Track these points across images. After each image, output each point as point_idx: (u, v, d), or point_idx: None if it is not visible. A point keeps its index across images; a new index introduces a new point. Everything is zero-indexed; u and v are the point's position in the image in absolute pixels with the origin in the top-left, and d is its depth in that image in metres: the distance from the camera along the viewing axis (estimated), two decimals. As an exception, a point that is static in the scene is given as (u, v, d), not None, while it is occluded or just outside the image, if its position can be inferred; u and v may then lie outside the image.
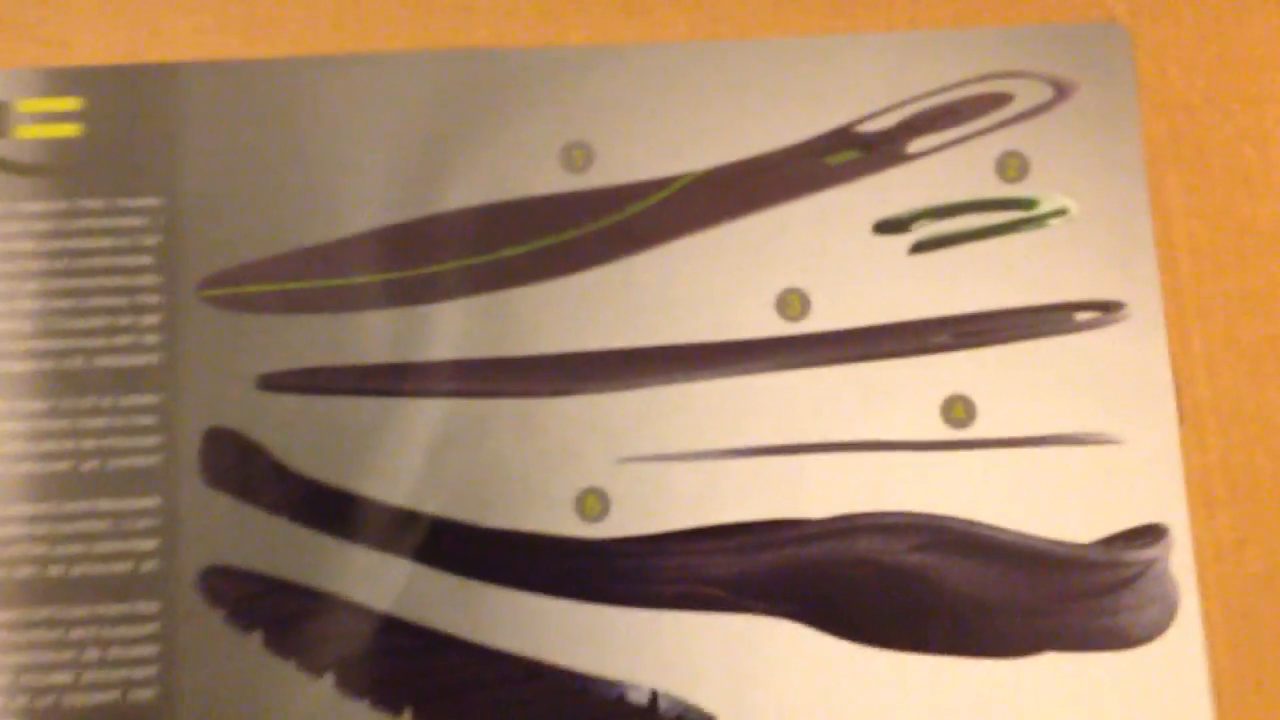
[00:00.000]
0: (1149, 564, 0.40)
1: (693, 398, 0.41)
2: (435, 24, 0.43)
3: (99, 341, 0.40)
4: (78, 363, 0.40)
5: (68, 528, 0.39)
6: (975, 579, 0.40)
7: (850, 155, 0.42)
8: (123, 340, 0.40)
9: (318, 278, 0.41)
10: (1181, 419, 0.41)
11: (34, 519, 0.39)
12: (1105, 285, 0.42)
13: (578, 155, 0.42)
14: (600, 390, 0.41)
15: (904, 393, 0.41)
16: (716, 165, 0.42)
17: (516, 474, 0.40)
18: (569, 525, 0.40)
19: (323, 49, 0.43)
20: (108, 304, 0.40)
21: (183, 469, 0.40)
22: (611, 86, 0.42)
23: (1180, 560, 0.40)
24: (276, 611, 0.39)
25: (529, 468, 0.40)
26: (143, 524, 0.39)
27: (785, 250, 0.42)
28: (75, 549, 0.39)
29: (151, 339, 0.40)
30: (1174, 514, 0.40)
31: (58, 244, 0.41)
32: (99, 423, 0.40)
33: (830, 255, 0.42)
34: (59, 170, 0.41)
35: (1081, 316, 0.42)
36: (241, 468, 0.40)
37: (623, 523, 0.40)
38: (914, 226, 0.42)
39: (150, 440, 0.40)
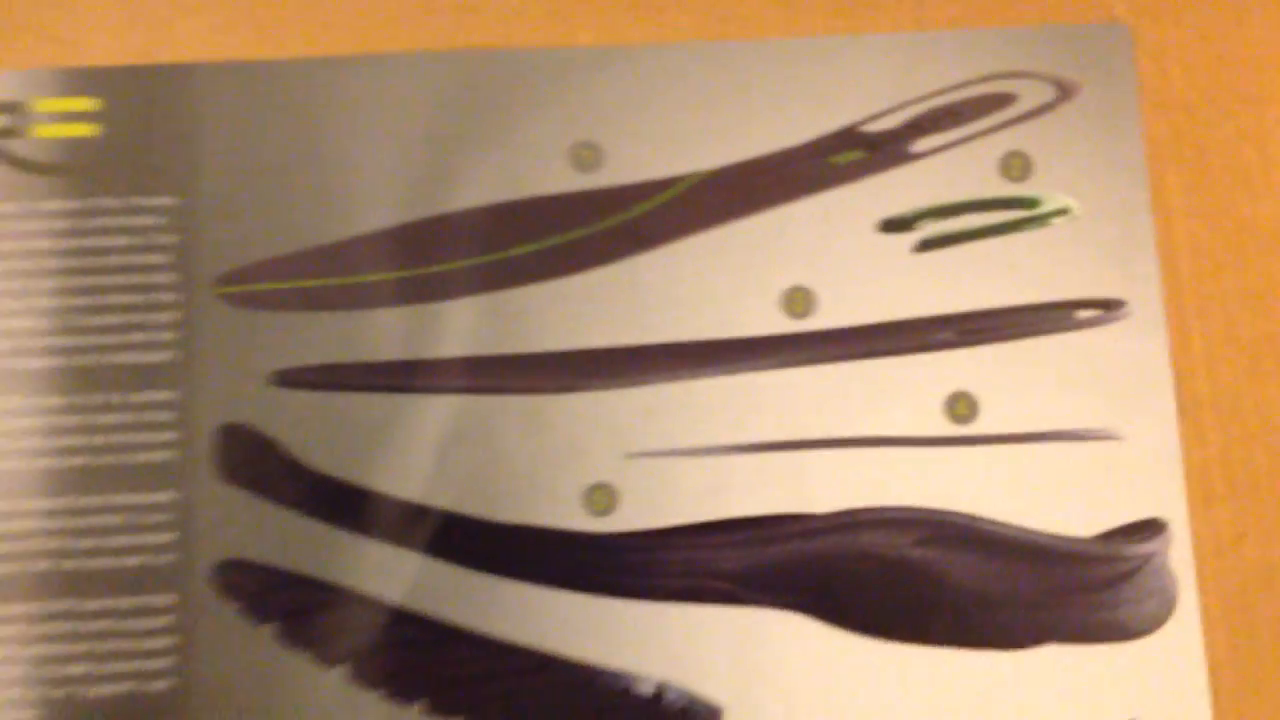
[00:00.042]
0: (1148, 558, 0.40)
1: (699, 394, 0.41)
2: (446, 26, 0.43)
3: (116, 339, 0.40)
4: (94, 359, 0.40)
5: (85, 522, 0.39)
6: (977, 573, 0.40)
7: (855, 155, 0.42)
8: (139, 337, 0.40)
9: (331, 276, 0.41)
10: (1181, 415, 0.41)
11: (52, 513, 0.39)
12: (1106, 283, 0.42)
13: (586, 155, 0.42)
14: (608, 387, 0.40)
15: (907, 389, 0.41)
16: (723, 165, 0.42)
17: (526, 469, 0.40)
18: (577, 520, 0.40)
19: (335, 50, 0.43)
20: (124, 301, 0.40)
21: (198, 464, 0.39)
22: (619, 87, 0.42)
23: (1179, 554, 0.40)
24: (290, 604, 0.39)
25: (538, 463, 0.40)
26: (159, 518, 0.39)
27: (790, 249, 0.41)
28: (92, 543, 0.39)
29: (167, 336, 0.40)
30: (1173, 509, 0.40)
31: (75, 242, 0.40)
32: (115, 419, 0.40)
33: (835, 254, 0.41)
34: (76, 169, 0.41)
35: (1083, 314, 0.41)
36: (256, 463, 0.40)
37: (630, 517, 0.40)
38: (918, 225, 0.42)
39: (166, 436, 0.40)
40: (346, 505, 0.39)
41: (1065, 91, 0.43)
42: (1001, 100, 0.42)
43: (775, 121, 0.42)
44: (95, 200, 0.41)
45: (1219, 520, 0.41)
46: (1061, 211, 0.42)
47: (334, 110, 0.42)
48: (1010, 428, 0.41)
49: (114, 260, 0.40)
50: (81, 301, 0.40)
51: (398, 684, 0.39)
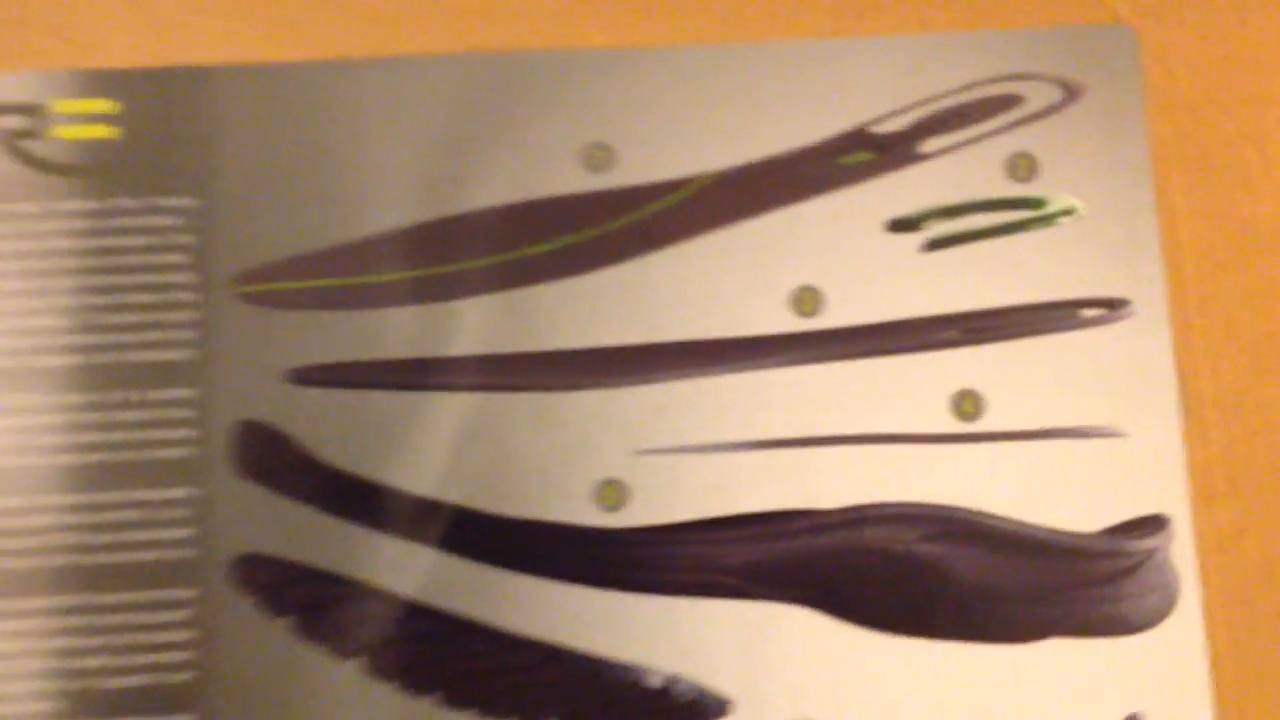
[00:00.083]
0: (1151, 553, 0.40)
1: (708, 392, 0.40)
2: (459, 28, 0.43)
3: (134, 337, 0.40)
4: (114, 357, 0.40)
5: (104, 517, 0.39)
6: (982, 568, 0.40)
7: (863, 156, 0.42)
8: (157, 336, 0.40)
9: (346, 275, 0.40)
10: (1184, 413, 0.41)
11: (72, 509, 0.39)
12: (1111, 283, 0.41)
13: (597, 156, 0.41)
14: (618, 385, 0.40)
15: (914, 387, 0.41)
16: (732, 165, 0.42)
17: (537, 465, 0.40)
18: (588, 515, 0.40)
19: (351, 52, 0.42)
20: (143, 300, 0.40)
21: (216, 460, 0.39)
22: (630, 89, 0.42)
23: (1181, 550, 0.40)
24: (307, 598, 0.39)
25: (550, 459, 0.40)
26: (177, 514, 0.39)
27: (799, 249, 0.41)
28: (111, 538, 0.39)
29: (185, 334, 0.40)
30: (1175, 505, 0.40)
31: (94, 242, 0.40)
32: (134, 416, 0.39)
33: (843, 253, 0.41)
34: (95, 170, 0.41)
35: (1087, 313, 0.41)
36: (272, 459, 0.39)
37: (640, 513, 0.40)
38: (925, 225, 0.41)
39: (184, 433, 0.39)
40: (361, 501, 0.39)
41: (1071, 93, 0.42)
42: (1008, 101, 0.42)
43: (784, 122, 0.42)
44: (114, 200, 0.41)
45: (1221, 516, 0.41)
46: (1067, 212, 0.42)
47: (350, 112, 0.41)
48: (1015, 425, 0.40)
49: (132, 260, 0.40)
50: (100, 300, 0.40)
51: (412, 676, 0.39)
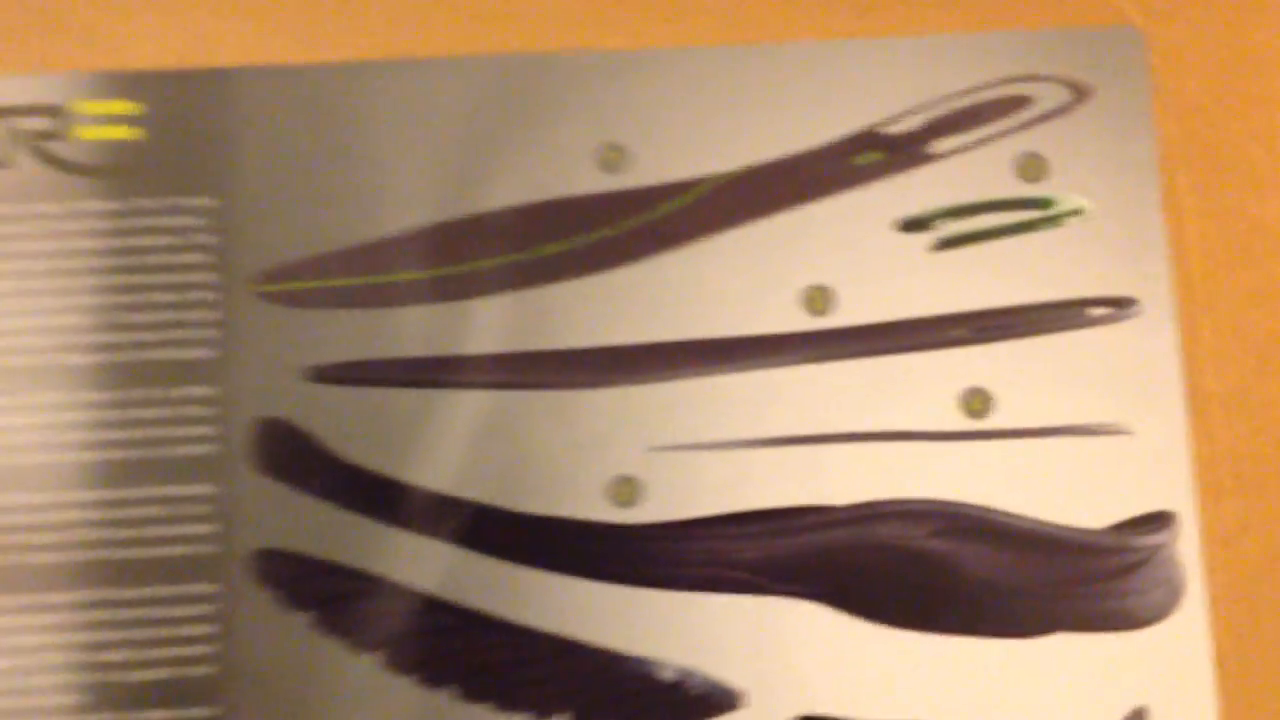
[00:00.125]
0: (1156, 549, 0.39)
1: (721, 390, 0.40)
2: (476, 31, 0.42)
3: (156, 335, 0.40)
4: (136, 356, 0.39)
5: (127, 513, 0.39)
6: (990, 563, 0.39)
7: (874, 156, 0.41)
8: (179, 334, 0.40)
9: (365, 274, 0.40)
10: (1190, 411, 0.40)
11: (95, 505, 0.39)
12: (1118, 282, 0.41)
13: (612, 157, 0.41)
14: (633, 382, 0.40)
15: (924, 385, 0.40)
16: (744, 166, 0.41)
17: (552, 462, 0.39)
18: (602, 511, 0.39)
19: (369, 54, 0.42)
20: (165, 300, 0.40)
21: (237, 457, 0.39)
22: (645, 90, 0.41)
23: (1186, 546, 0.40)
24: (326, 592, 0.38)
25: (564, 456, 0.39)
26: (198, 510, 0.39)
27: (810, 248, 0.41)
28: (134, 533, 0.39)
29: (207, 333, 0.40)
30: (1181, 501, 0.40)
31: (116, 242, 0.40)
32: (156, 413, 0.39)
33: (854, 253, 0.41)
34: (117, 171, 0.40)
35: (1095, 312, 0.41)
36: (292, 456, 0.39)
37: (653, 509, 0.39)
38: (935, 225, 0.41)
39: (205, 430, 0.39)
40: (379, 497, 0.39)
41: (1080, 94, 0.42)
42: (1017, 102, 0.42)
43: (796, 123, 0.41)
44: (136, 201, 0.40)
45: (1226, 513, 0.41)
46: (1075, 212, 0.41)
47: (368, 113, 0.41)
48: (1024, 422, 0.40)
49: (155, 259, 0.40)
50: (123, 299, 0.40)
51: (430, 669, 0.38)
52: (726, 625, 0.39)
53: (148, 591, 0.38)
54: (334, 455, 0.39)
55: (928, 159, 0.41)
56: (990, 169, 0.41)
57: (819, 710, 0.38)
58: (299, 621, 0.38)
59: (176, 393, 0.39)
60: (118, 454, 0.39)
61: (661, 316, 0.40)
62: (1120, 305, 0.41)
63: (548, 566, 0.39)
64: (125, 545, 0.39)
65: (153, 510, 0.39)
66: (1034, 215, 0.41)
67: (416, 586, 0.39)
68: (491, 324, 0.40)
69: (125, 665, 0.38)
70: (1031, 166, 0.41)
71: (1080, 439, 0.40)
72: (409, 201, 0.40)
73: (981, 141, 0.41)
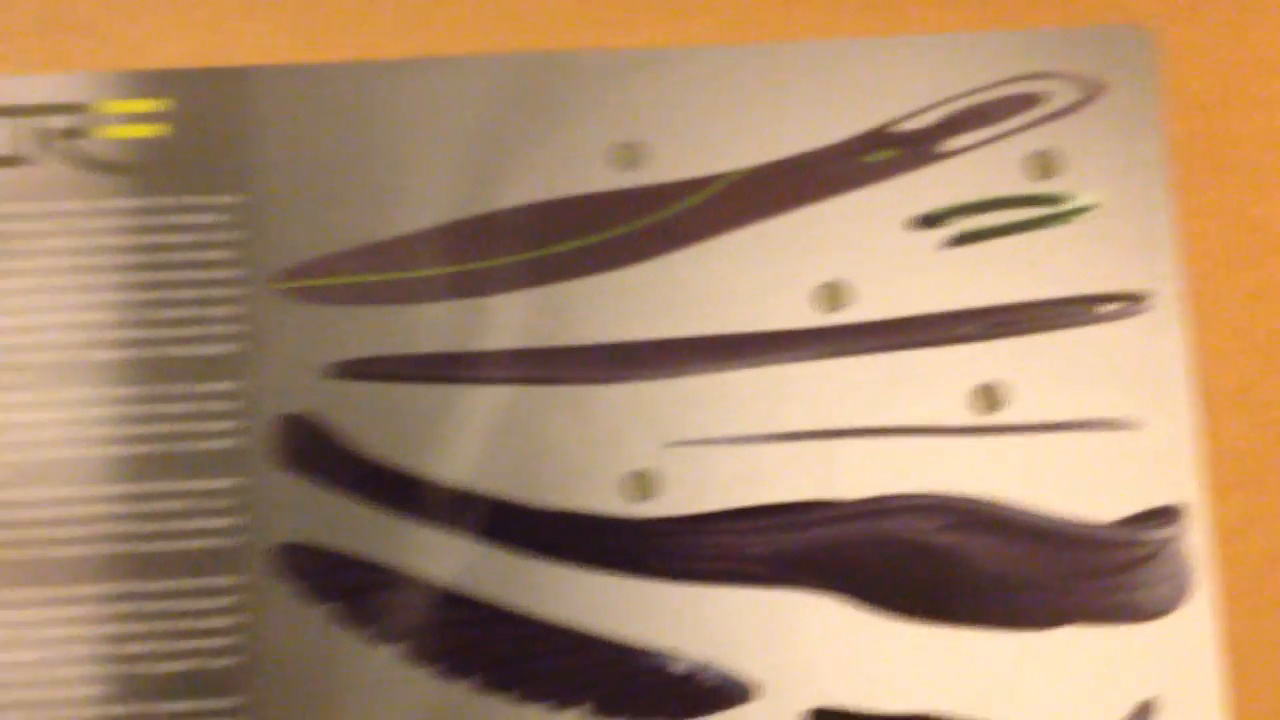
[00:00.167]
0: (1165, 543, 0.39)
1: (734, 385, 0.40)
2: (492, 30, 0.42)
3: (180, 332, 0.39)
4: (160, 352, 0.39)
5: (152, 507, 0.38)
6: (1000, 557, 0.39)
7: (887, 154, 0.41)
8: (203, 330, 0.39)
9: (384, 271, 0.40)
10: (1198, 406, 0.40)
11: (120, 498, 0.38)
12: (1128, 278, 0.40)
13: (627, 155, 0.41)
14: (648, 378, 0.39)
15: (935, 381, 0.40)
16: (758, 164, 0.41)
17: (568, 457, 0.39)
18: (618, 505, 0.39)
19: (388, 54, 0.42)
20: (189, 296, 0.39)
21: (259, 451, 0.39)
22: (659, 89, 0.41)
23: (1195, 540, 0.39)
24: (348, 585, 0.38)
25: (580, 451, 0.39)
26: (222, 503, 0.39)
27: (823, 245, 0.40)
28: (159, 527, 0.38)
29: (230, 329, 0.39)
30: (1190, 496, 0.39)
31: (141, 239, 0.40)
32: (181, 408, 0.39)
33: (866, 250, 0.40)
34: (142, 169, 0.40)
35: (1105, 308, 0.40)
36: (314, 451, 0.39)
37: (668, 503, 0.39)
38: (947, 222, 0.40)
39: (229, 425, 0.39)
40: (399, 491, 0.39)
41: (1091, 92, 0.41)
42: (1029, 100, 0.41)
43: (808, 121, 0.41)
44: (160, 198, 0.40)
45: (1233, 507, 0.40)
46: (1086, 208, 0.41)
47: (388, 112, 0.41)
48: (1034, 418, 0.40)
49: (178, 257, 0.40)
50: (147, 296, 0.39)
51: (449, 661, 0.38)
52: (740, 618, 0.38)
53: (172, 584, 0.38)
54: (354, 450, 0.39)
55: (939, 157, 0.41)
56: (1001, 167, 0.41)
57: (832, 702, 0.38)
58: (320, 614, 0.38)
59: (200, 388, 0.39)
60: (142, 449, 0.39)
61: (675, 313, 0.40)
62: (1130, 301, 0.40)
63: (564, 560, 0.39)
64: (150, 539, 0.38)
65: (177, 504, 0.38)
66: (1044, 212, 0.41)
67: (435, 579, 0.38)
68: (508, 320, 0.40)
69: (150, 657, 0.38)
70: (1042, 164, 0.41)
71: (1090, 434, 0.39)
72: (427, 199, 0.40)
73: (992, 139, 0.41)
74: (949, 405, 0.40)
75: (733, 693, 0.38)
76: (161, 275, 0.39)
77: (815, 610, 0.39)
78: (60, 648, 0.38)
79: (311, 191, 0.40)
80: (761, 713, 0.38)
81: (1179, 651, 0.38)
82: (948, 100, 0.41)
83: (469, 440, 0.39)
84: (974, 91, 0.41)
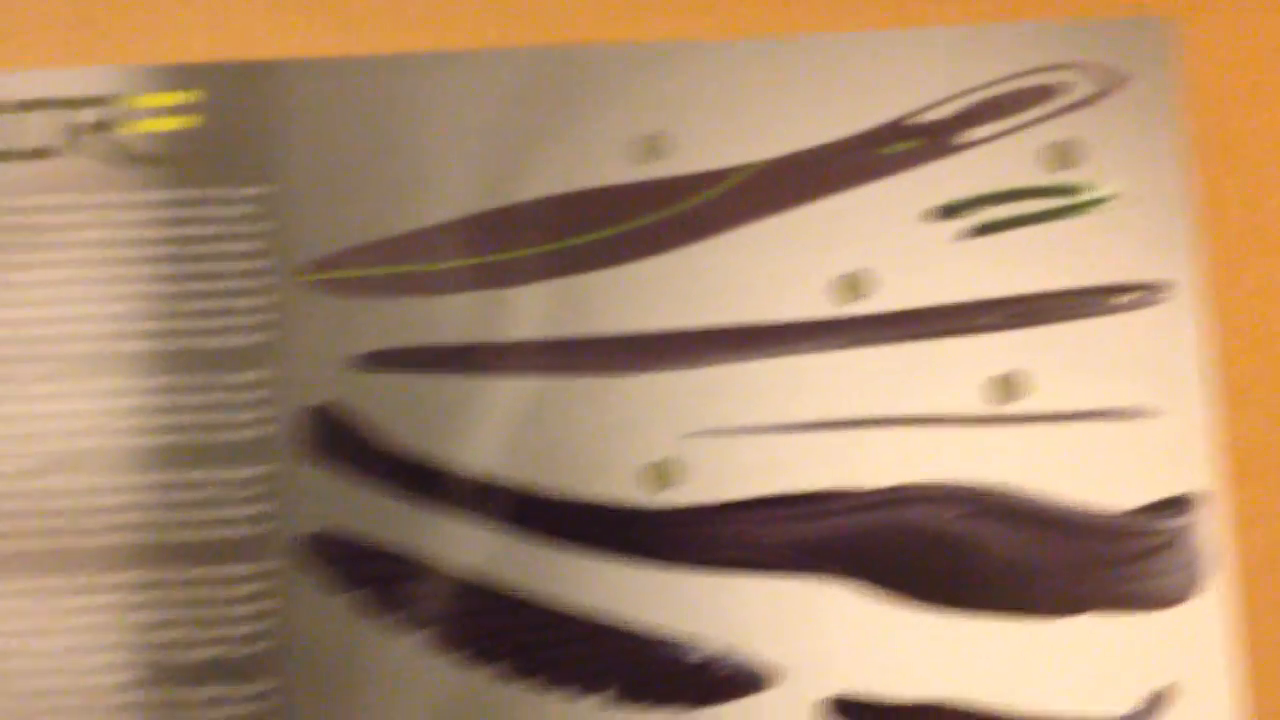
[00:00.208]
0: (1180, 532, 0.38)
1: (754, 376, 0.39)
2: (515, 23, 0.41)
3: (211, 323, 0.39)
4: (191, 343, 0.39)
5: (182, 496, 0.38)
6: (1018, 545, 0.38)
7: (906, 145, 0.40)
8: (232, 322, 0.39)
9: (410, 263, 0.39)
10: (1217, 396, 0.39)
11: (153, 487, 0.38)
12: (1149, 268, 0.40)
13: (647, 147, 0.40)
14: (667, 369, 0.39)
15: (955, 371, 0.39)
16: (779, 156, 0.40)
17: (592, 446, 0.39)
18: (638, 495, 0.38)
19: (414, 48, 0.41)
20: (218, 288, 0.39)
21: (287, 441, 0.38)
22: (679, 82, 0.40)
23: (1210, 528, 0.39)
24: (374, 573, 0.38)
25: (604, 441, 0.39)
26: (251, 492, 0.38)
27: (843, 236, 0.40)
28: (189, 515, 0.38)
29: (259, 320, 0.39)
30: (1205, 485, 0.39)
31: (172, 231, 0.39)
32: (210, 399, 0.39)
33: (886, 241, 0.40)
34: (173, 161, 0.40)
35: (1126, 297, 0.39)
36: (341, 441, 0.38)
37: (689, 492, 0.38)
38: (967, 213, 0.40)
39: (257, 415, 0.39)
40: (423, 481, 0.38)
41: (1110, 84, 0.40)
42: (1049, 91, 0.40)
43: (828, 114, 0.40)
44: (190, 191, 0.40)
45: (1250, 496, 0.39)
46: (1106, 199, 0.40)
47: (413, 105, 0.40)
48: (1053, 407, 0.39)
49: (208, 248, 0.39)
50: (178, 288, 0.39)
51: (473, 648, 0.38)
52: (759, 606, 0.38)
53: (200, 572, 0.38)
54: (378, 440, 0.38)
55: (958, 148, 0.40)
56: (1019, 158, 0.40)
57: (850, 689, 0.38)
58: (346, 601, 0.38)
59: (229, 379, 0.39)
60: (171, 438, 0.38)
61: (695, 304, 0.39)
62: (1147, 292, 0.39)
63: (585, 549, 0.38)
64: (178, 527, 0.38)
65: (205, 493, 0.38)
66: (1064, 203, 0.40)
67: (458, 568, 0.38)
68: (530, 312, 0.39)
69: (178, 643, 0.38)
70: (1060, 155, 0.40)
71: (1106, 423, 0.39)
72: (450, 192, 0.40)
73: (1011, 131, 0.40)
74: (967, 395, 0.39)
75: (751, 680, 0.38)
76: (190, 267, 0.39)
77: (833, 598, 0.38)
78: (91, 634, 0.38)
79: (337, 184, 0.40)
80: (780, 699, 0.38)
81: (1193, 639, 0.38)
82: (966, 92, 0.40)
83: (491, 431, 0.39)
84: (993, 83, 0.40)
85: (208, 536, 0.38)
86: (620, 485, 0.38)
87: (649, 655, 0.38)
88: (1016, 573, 0.38)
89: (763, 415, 0.39)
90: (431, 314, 0.39)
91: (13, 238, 0.39)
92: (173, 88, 0.40)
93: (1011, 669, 0.38)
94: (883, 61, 0.40)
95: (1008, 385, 0.39)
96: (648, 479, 0.38)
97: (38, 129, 0.40)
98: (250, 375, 0.39)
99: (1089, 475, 0.39)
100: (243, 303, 0.39)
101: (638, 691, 0.38)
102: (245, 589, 0.38)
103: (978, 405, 0.39)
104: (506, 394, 0.39)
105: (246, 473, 0.38)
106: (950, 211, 0.40)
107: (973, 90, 0.40)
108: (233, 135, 0.40)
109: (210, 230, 0.39)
